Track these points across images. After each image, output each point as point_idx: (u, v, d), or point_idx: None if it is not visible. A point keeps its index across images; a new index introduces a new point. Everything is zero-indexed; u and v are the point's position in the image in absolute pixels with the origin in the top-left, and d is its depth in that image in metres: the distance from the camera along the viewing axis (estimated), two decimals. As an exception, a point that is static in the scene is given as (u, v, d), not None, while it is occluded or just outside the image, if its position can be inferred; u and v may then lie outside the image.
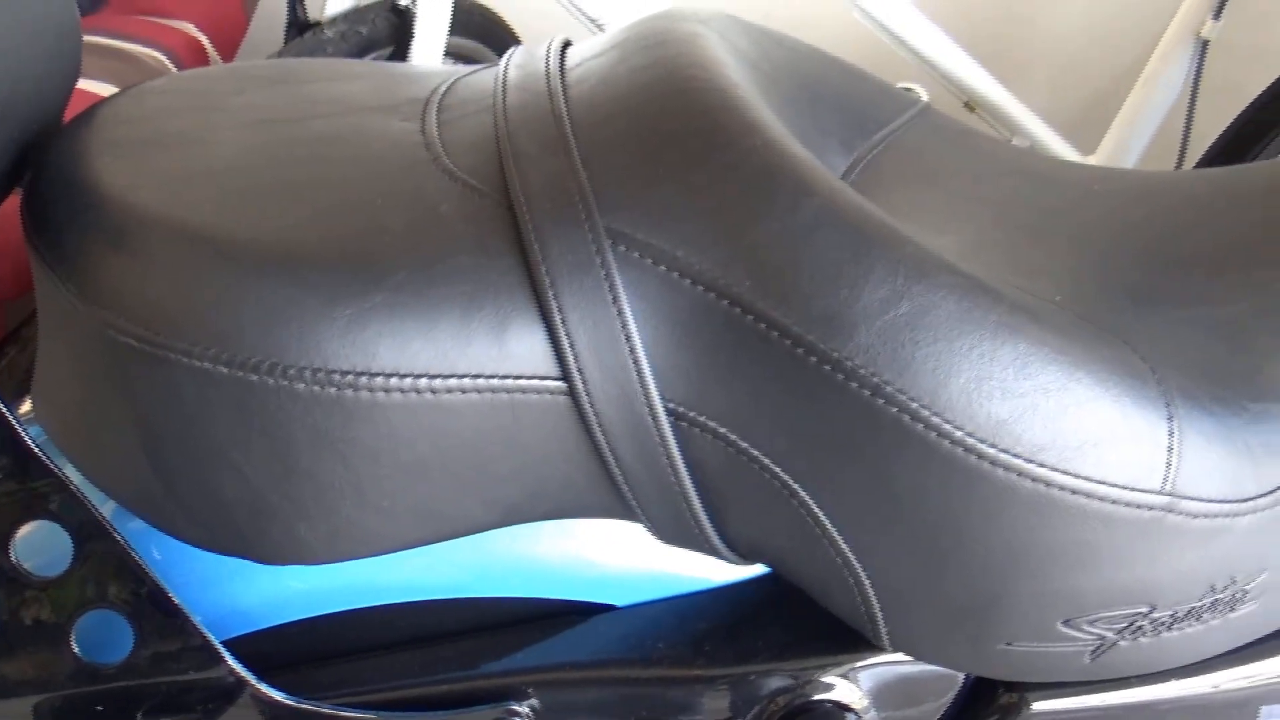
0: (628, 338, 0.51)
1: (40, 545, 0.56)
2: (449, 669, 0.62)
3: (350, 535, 0.53)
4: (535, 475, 0.54)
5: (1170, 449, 0.51)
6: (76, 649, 0.57)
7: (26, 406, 0.68)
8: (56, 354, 0.57)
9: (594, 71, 0.61)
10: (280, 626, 0.62)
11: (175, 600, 0.56)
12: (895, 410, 0.49)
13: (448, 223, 0.52)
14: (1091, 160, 1.30)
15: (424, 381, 0.50)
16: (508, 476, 0.54)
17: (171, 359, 0.50)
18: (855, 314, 0.49)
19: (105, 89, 1.15)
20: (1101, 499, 0.50)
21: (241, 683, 0.57)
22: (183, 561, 0.59)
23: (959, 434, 0.49)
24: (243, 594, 0.61)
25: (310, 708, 0.58)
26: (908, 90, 1.22)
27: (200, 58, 1.25)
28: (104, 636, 0.57)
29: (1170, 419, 0.51)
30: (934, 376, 0.49)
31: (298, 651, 0.62)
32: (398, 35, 1.08)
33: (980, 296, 0.50)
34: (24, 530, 0.56)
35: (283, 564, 0.55)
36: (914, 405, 0.49)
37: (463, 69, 0.69)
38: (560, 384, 0.51)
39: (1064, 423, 0.50)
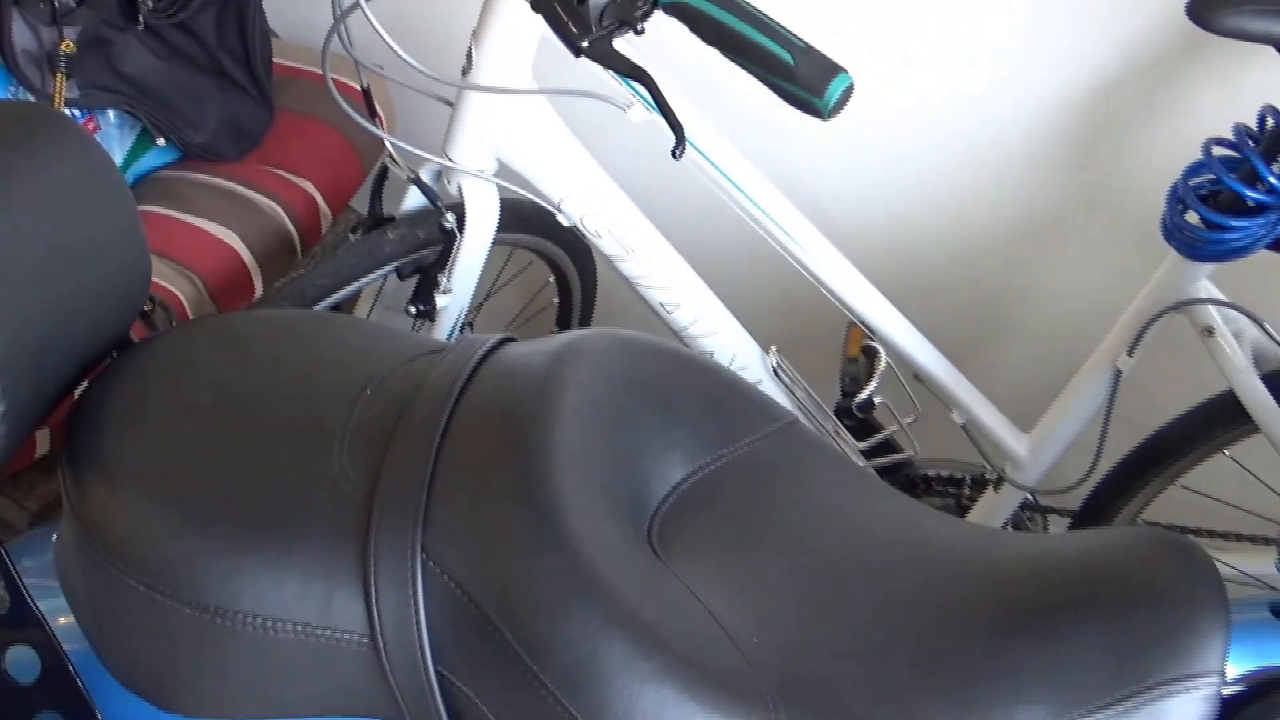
0: (416, 620, 0.75)
1: (21, 662, 0.83)
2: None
3: (213, 705, 0.79)
4: (347, 692, 0.79)
5: None
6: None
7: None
8: (65, 527, 0.85)
9: (500, 376, 0.86)
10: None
11: (96, 712, 0.82)
12: (566, 717, 0.71)
13: (319, 513, 0.77)
14: (1025, 439, 1.46)
15: (270, 623, 0.75)
16: (328, 688, 0.78)
17: (111, 571, 0.76)
18: (552, 645, 0.72)
19: (228, 234, 1.44)
20: None
21: None
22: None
23: None
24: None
25: None
26: (874, 351, 1.42)
27: (313, 212, 1.54)
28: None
29: None
30: (596, 703, 0.71)
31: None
32: (446, 241, 1.34)
33: (643, 647, 0.72)
34: (11, 650, 0.83)
35: (170, 712, 0.80)
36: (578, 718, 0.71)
37: (416, 349, 0.93)
38: (366, 639, 0.75)
39: None
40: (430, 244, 1.34)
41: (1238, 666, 0.77)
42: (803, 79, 0.91)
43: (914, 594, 0.83)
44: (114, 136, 1.49)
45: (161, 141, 1.51)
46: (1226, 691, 0.74)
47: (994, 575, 0.83)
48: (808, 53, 0.91)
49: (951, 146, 1.52)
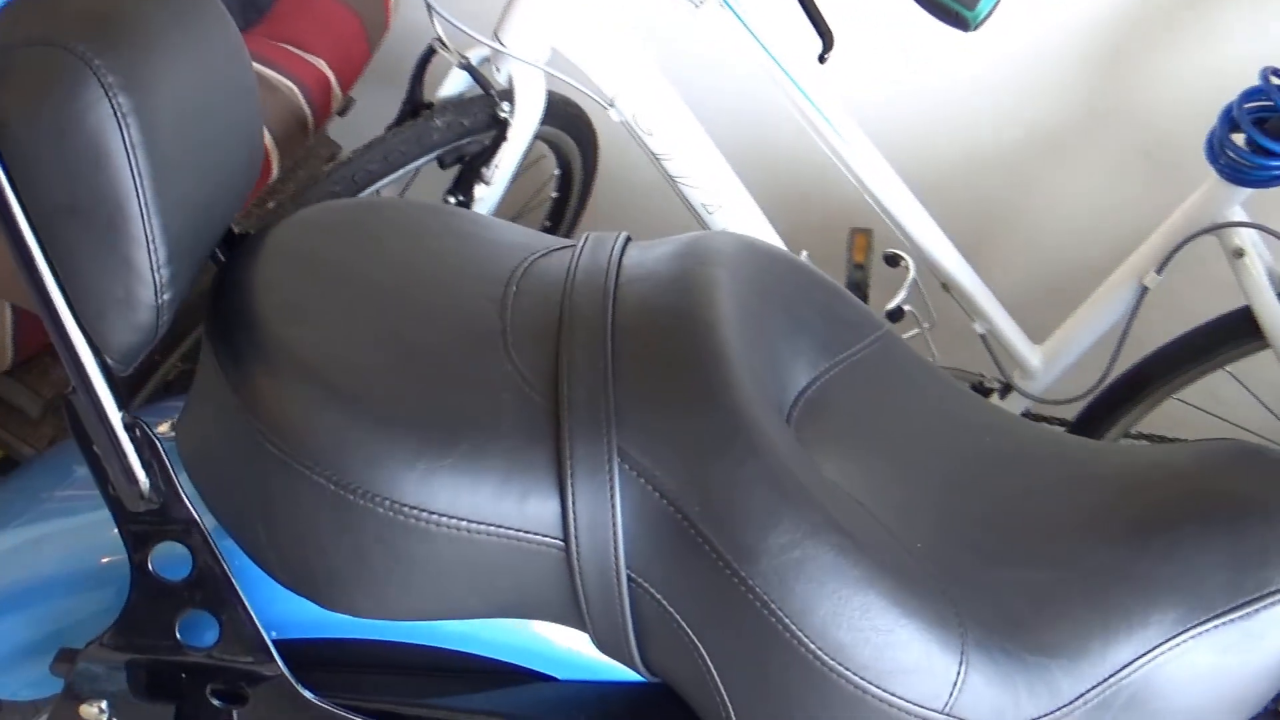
0: (613, 524, 0.74)
1: (167, 558, 0.80)
2: (429, 696, 0.86)
3: (389, 606, 0.78)
4: (527, 593, 0.78)
5: (955, 683, 0.74)
6: (178, 635, 0.81)
7: (164, 427, 0.92)
8: (206, 416, 0.81)
9: (644, 277, 0.85)
10: (321, 639, 0.86)
11: (251, 613, 0.80)
12: (774, 621, 0.72)
13: (506, 413, 0.76)
14: (1038, 351, 1.52)
15: (464, 523, 0.74)
16: (507, 590, 0.78)
17: (296, 469, 0.74)
18: (761, 549, 0.73)
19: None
20: (900, 710, 0.74)
21: (282, 678, 0.81)
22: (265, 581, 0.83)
23: (813, 646, 0.72)
24: (302, 610, 0.84)
25: (321, 705, 0.81)
26: (897, 259, 1.44)
27: (325, 94, 1.46)
28: (198, 627, 0.81)
29: (961, 663, 0.74)
30: (805, 605, 0.72)
31: (327, 659, 0.86)
32: (495, 129, 1.30)
33: (850, 554, 0.74)
34: (159, 546, 0.79)
35: (340, 612, 0.78)
36: (787, 620, 0.72)
37: (540, 244, 0.92)
38: (559, 543, 0.75)
39: (884, 653, 0.73)
40: (474, 132, 1.30)
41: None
42: (952, -12, 0.90)
43: (1044, 499, 0.86)
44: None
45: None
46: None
47: (1112, 483, 0.87)
48: (958, -38, 0.91)
49: (967, 56, 1.54)
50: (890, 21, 1.42)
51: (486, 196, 1.34)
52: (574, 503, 0.74)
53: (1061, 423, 1.58)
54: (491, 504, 0.74)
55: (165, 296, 0.74)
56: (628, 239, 0.91)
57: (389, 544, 0.74)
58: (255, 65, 1.40)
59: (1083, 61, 1.47)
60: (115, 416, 0.76)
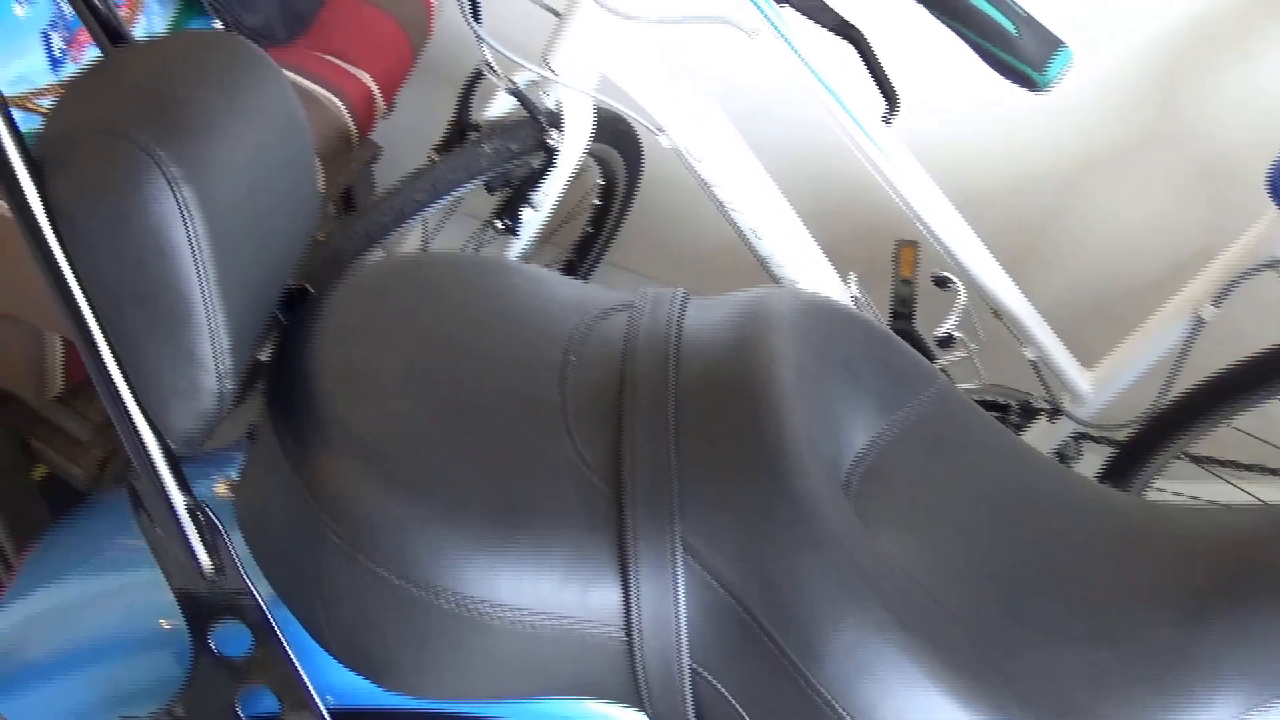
0: (676, 616, 0.74)
1: (228, 631, 0.80)
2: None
3: (447, 689, 0.78)
4: (586, 676, 0.78)
5: None
6: (239, 710, 0.81)
7: (220, 488, 0.92)
8: (266, 488, 0.81)
9: (704, 346, 0.84)
10: (377, 708, 0.86)
11: (311, 690, 0.80)
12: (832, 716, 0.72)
13: (568, 501, 0.75)
14: (1088, 376, 1.50)
15: (527, 615, 0.73)
16: (566, 673, 0.77)
17: (360, 561, 0.73)
18: (826, 649, 0.72)
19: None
20: None
21: None
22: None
23: None
24: (358, 679, 0.84)
25: None
26: (946, 282, 1.42)
27: (369, 106, 1.45)
28: (258, 698, 0.82)
29: None
30: (869, 704, 0.72)
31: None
32: (542, 152, 1.28)
33: (914, 654, 0.73)
34: (219, 624, 0.79)
35: (395, 693, 0.78)
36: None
37: (597, 303, 0.91)
38: (621, 632, 0.74)
39: None
40: (522, 156, 1.28)
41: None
42: (1023, 50, 0.88)
43: (1104, 569, 0.85)
44: (155, 10, 1.38)
45: (214, 21, 1.40)
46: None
47: (1174, 551, 0.86)
48: (1029, 23, 0.89)
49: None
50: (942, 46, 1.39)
51: (533, 220, 1.33)
52: (638, 596, 0.74)
53: (1111, 443, 1.57)
54: (554, 595, 0.74)
55: (228, 383, 0.74)
56: (686, 297, 0.90)
57: (450, 635, 0.74)
58: (299, 79, 1.39)
59: (1146, 83, 1.44)
60: (179, 501, 0.76)
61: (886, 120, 0.96)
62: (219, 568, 0.78)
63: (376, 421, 0.77)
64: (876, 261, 1.56)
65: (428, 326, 0.85)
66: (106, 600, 0.93)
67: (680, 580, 0.74)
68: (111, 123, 0.69)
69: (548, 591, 0.74)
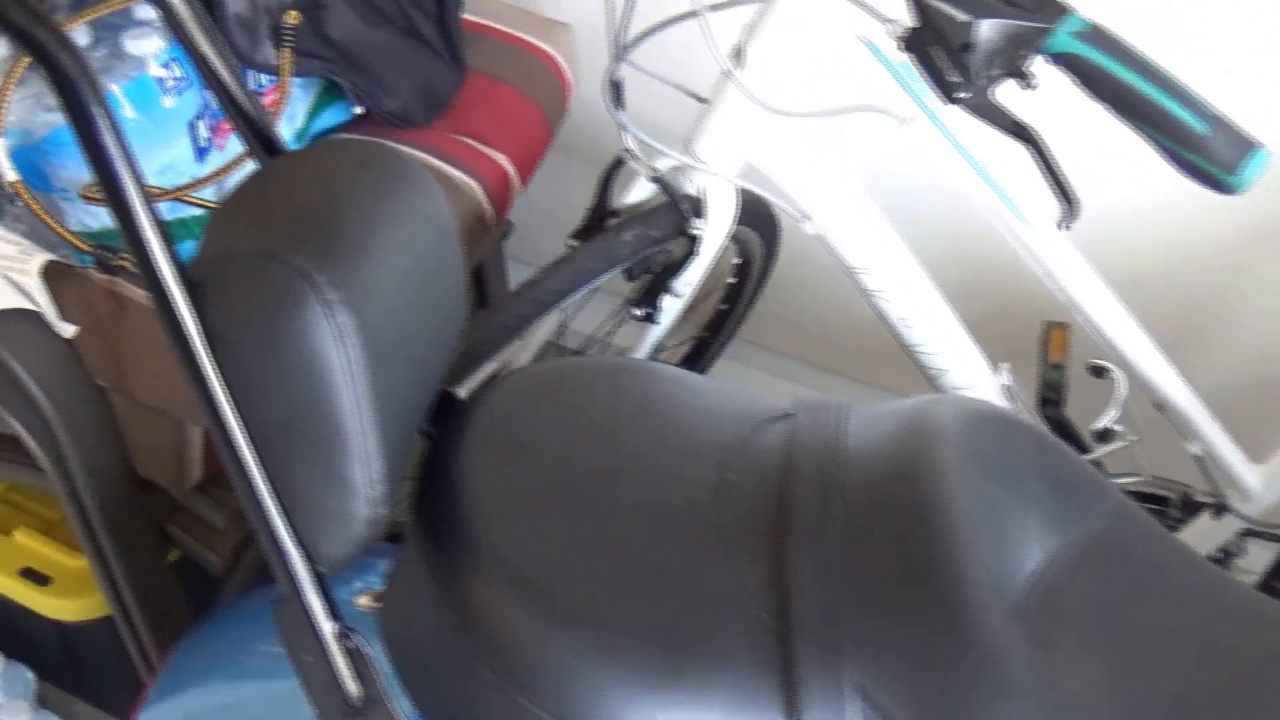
0: None
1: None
2: None
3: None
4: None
5: None
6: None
7: (363, 600, 0.89)
8: (413, 607, 0.78)
9: (867, 463, 0.80)
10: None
11: None
12: None
13: (732, 637, 0.71)
14: (1257, 471, 1.41)
15: None
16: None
17: (519, 703, 0.70)
18: None
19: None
20: None
21: None
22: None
23: None
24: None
25: None
26: (1104, 371, 1.35)
27: (505, 189, 1.44)
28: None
29: None
30: None
31: None
32: (683, 238, 1.25)
33: None
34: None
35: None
36: None
37: (752, 413, 0.87)
38: None
39: None
40: (663, 242, 1.25)
41: None
42: (1214, 153, 0.82)
43: None
44: (298, 96, 1.39)
45: (354, 107, 1.40)
46: None
47: None
48: (1219, 122, 0.83)
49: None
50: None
51: (673, 307, 1.30)
52: None
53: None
54: None
55: (380, 510, 0.71)
56: (847, 410, 0.86)
57: None
58: (438, 162, 1.39)
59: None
60: (327, 628, 0.73)
61: (1066, 226, 0.91)
62: (369, 698, 0.75)
63: (530, 545, 0.74)
64: (1016, 343, 1.49)
65: (578, 440, 0.82)
66: (248, 709, 0.91)
67: None
68: (268, 246, 0.67)
69: (711, 735, 0.70)
